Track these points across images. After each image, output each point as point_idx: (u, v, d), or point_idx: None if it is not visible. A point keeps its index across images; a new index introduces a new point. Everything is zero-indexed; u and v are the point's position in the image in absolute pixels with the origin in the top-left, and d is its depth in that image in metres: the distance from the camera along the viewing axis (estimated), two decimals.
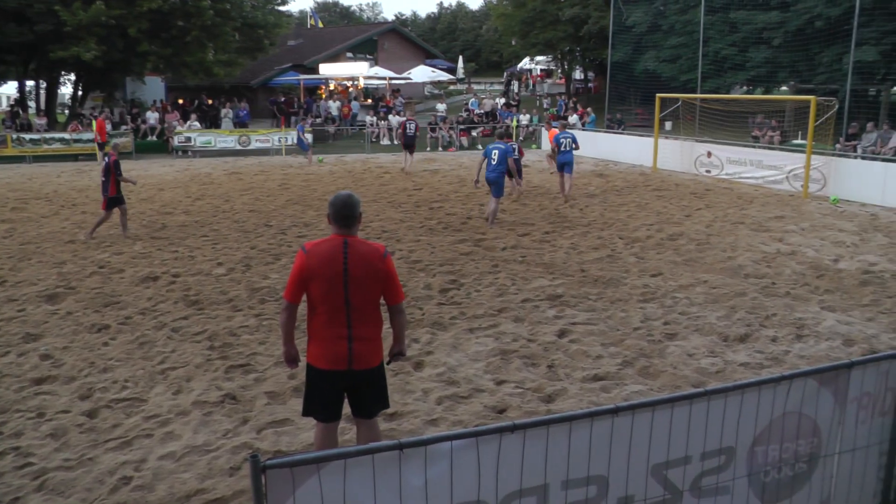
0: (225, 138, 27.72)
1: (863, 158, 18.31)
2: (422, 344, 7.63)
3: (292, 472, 3.01)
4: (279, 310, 4.64)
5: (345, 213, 4.50)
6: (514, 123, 30.08)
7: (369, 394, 4.68)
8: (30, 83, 35.47)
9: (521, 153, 18.41)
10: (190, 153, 27.33)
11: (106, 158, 12.98)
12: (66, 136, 26.91)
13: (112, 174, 12.64)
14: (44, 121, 29.29)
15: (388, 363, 4.79)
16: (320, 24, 59.88)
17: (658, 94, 23.63)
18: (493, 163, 13.54)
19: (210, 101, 34.30)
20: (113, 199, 12.83)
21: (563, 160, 16.61)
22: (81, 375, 6.88)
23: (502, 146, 13.81)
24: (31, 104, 35.66)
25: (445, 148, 30.43)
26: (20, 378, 6.81)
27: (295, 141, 26.72)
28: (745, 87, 32.31)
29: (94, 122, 26.58)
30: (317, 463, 3.04)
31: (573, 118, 31.71)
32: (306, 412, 4.73)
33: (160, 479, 5.07)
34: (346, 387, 4.60)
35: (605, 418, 3.47)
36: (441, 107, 35.49)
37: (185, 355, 7.36)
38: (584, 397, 6.29)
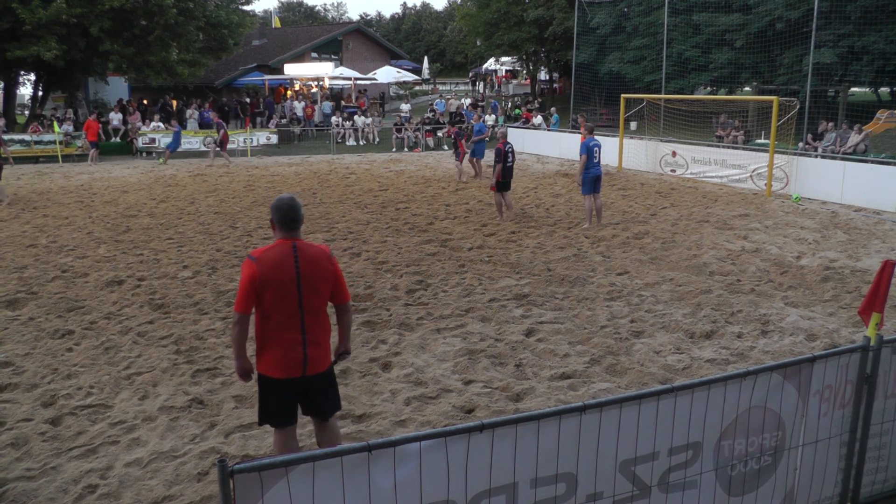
0: (190, 139, 27.39)
1: (823, 157, 18.66)
2: (389, 345, 7.61)
3: (260, 477, 2.99)
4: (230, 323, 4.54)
5: (292, 216, 4.49)
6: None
7: (322, 397, 4.70)
8: None
9: (462, 155, 19.98)
10: (154, 154, 26.94)
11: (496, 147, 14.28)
12: (27, 137, 26.40)
13: (499, 161, 14.02)
14: (2, 122, 28.66)
15: (333, 362, 4.79)
16: (276, 24, 59.31)
17: (623, 95, 23.85)
18: (596, 160, 13.54)
19: (175, 103, 33.88)
20: (500, 184, 14.19)
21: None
22: (44, 382, 6.76)
23: (599, 142, 13.86)
24: None
25: (411, 149, 30.41)
26: None
27: (169, 142, 26.24)
28: (708, 88, 32.76)
29: (61, 124, 26.12)
30: (285, 466, 3.03)
31: (538, 119, 31.86)
32: (263, 421, 4.70)
33: (126, 487, 5.00)
34: (300, 392, 4.60)
35: (573, 416, 3.50)
36: (405, 107, 35.41)
37: (151, 360, 7.26)
38: (552, 396, 6.32)
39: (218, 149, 25.02)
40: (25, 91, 37.00)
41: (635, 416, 3.66)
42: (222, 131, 24.90)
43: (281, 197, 4.55)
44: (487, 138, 23.15)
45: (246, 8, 35.86)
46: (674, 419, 3.76)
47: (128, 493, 4.94)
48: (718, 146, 21.50)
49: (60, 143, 26.07)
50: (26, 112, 35.38)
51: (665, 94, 28.10)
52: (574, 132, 28.07)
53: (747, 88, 32.19)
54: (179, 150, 26.57)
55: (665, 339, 7.74)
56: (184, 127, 28.86)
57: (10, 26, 25.88)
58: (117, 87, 36.22)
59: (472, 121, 29.74)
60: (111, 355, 7.41)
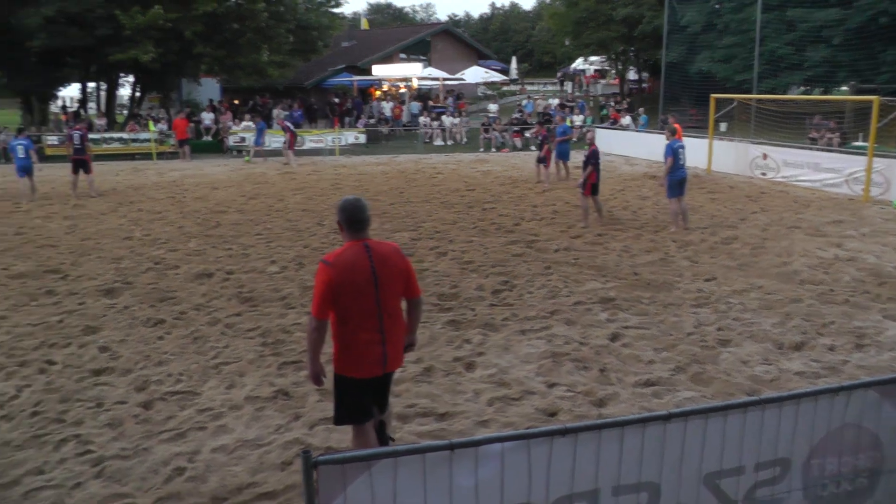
0: (279, 138, 28.05)
1: None
2: (473, 345, 7.62)
3: (343, 469, 3.04)
4: (308, 328, 4.60)
5: (360, 217, 4.49)
6: (569, 124, 29.79)
7: (387, 393, 4.81)
8: (91, 85, 36.51)
9: (548, 159, 19.88)
10: (245, 153, 27.71)
11: (589, 150, 14.01)
12: (125, 135, 27.69)
13: (592, 164, 13.75)
14: (104, 121, 30.13)
15: None
16: (365, 26, 59.85)
17: (712, 95, 23.23)
18: (681, 161, 13.34)
19: (263, 101, 34.80)
20: (593, 186, 13.95)
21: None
22: (137, 368, 7.07)
23: (684, 143, 13.60)
24: (93, 105, 36.69)
25: (498, 149, 30.32)
26: (80, 369, 7.05)
27: (256, 139, 26.77)
28: (802, 88, 31.54)
29: (156, 123, 27.23)
30: (367, 461, 3.07)
31: (626, 119, 31.32)
32: (342, 421, 4.74)
33: (212, 472, 5.18)
34: (376, 389, 4.69)
35: (658, 424, 3.43)
36: (493, 107, 35.31)
37: (238, 351, 7.49)
38: (636, 402, 6.21)
39: (288, 150, 25.69)
40: (124, 92, 38.75)
41: (721, 428, 3.55)
42: (289, 134, 25.57)
43: (346, 198, 4.56)
44: (574, 139, 22.87)
45: (335, 10, 36.54)
46: (761, 433, 3.64)
47: (213, 477, 5.10)
48: (812, 148, 20.69)
49: (155, 141, 27.21)
50: (125, 112, 37.03)
51: (756, 93, 27.20)
52: (662, 133, 27.50)
53: (844, 88, 30.80)
54: (267, 148, 27.21)
55: (752, 349, 7.50)
56: (270, 127, 29.61)
57: (112, 32, 27.16)
58: (209, 88, 37.46)
59: (555, 121, 29.53)
60: (200, 345, 7.69)
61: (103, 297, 9.46)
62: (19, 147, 17.38)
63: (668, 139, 13.58)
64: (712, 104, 22.79)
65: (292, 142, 25.60)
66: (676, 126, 14.32)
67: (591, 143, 14.21)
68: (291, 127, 26.50)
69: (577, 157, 20.78)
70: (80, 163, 17.98)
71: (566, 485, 3.32)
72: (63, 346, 7.68)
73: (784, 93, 29.20)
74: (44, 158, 23.77)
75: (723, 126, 28.17)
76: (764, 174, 20.73)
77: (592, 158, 13.78)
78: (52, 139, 26.79)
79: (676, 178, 13.19)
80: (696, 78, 32.68)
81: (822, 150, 20.33)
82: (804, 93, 30.99)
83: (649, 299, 9.18)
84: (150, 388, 6.60)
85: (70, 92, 42.03)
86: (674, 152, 13.16)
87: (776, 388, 6.49)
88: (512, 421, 5.88)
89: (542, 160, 19.80)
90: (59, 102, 39.61)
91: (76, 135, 18.27)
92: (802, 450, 3.76)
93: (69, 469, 5.21)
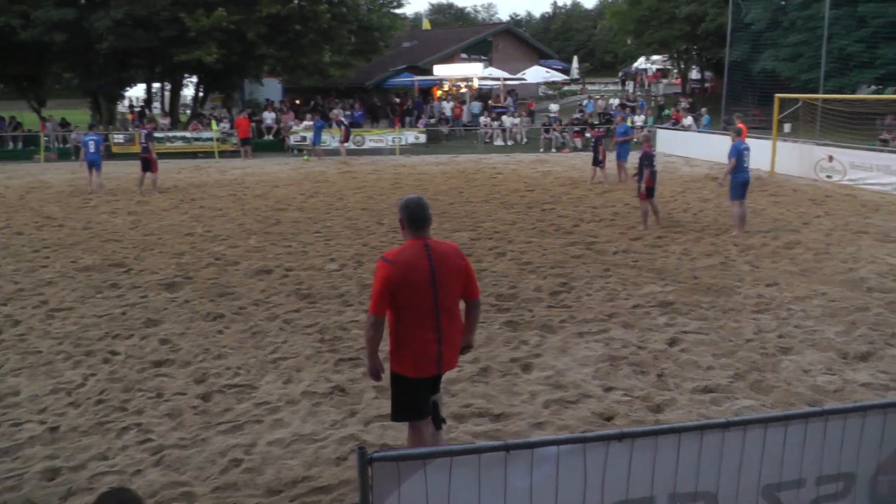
0: (337, 137, 28.38)
1: None
2: (530, 346, 7.59)
3: (398, 466, 3.06)
4: (366, 324, 4.64)
5: (422, 215, 4.50)
6: (630, 124, 29.46)
7: (437, 390, 4.80)
8: (156, 85, 37.56)
9: (604, 160, 19.68)
10: (305, 152, 28.06)
11: (642, 152, 13.83)
12: (188, 134, 28.42)
13: (648, 166, 13.43)
14: (167, 120, 30.96)
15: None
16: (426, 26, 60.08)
17: (777, 95, 22.65)
18: (745, 163, 13.05)
19: (329, 100, 35.25)
20: (649, 189, 13.57)
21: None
22: (197, 360, 7.24)
23: (748, 145, 13.30)
24: (157, 105, 37.77)
25: (559, 149, 30.10)
26: (142, 360, 7.26)
27: (314, 137, 27.11)
28: (872, 87, 30.50)
29: (219, 122, 27.82)
30: (423, 459, 3.08)
31: (688, 120, 30.81)
32: (399, 418, 4.78)
33: (268, 464, 5.27)
34: (431, 387, 4.70)
35: (716, 432, 3.37)
36: (554, 107, 34.99)
37: (296, 347, 7.60)
38: (694, 409, 6.09)
39: (339, 145, 26.06)
40: (188, 92, 39.71)
41: (781, 438, 3.46)
42: (343, 128, 26.00)
43: (409, 196, 4.58)
44: (635, 139, 22.53)
45: (397, 11, 36.79)
46: (823, 445, 3.52)
47: (269, 469, 5.19)
48: (881, 151, 19.98)
49: (217, 140, 27.83)
50: (188, 111, 37.96)
51: (823, 93, 26.41)
52: (724, 133, 26.92)
53: None
54: (327, 147, 27.48)
55: (815, 358, 7.28)
56: (329, 126, 29.99)
57: (177, 34, 27.89)
58: (271, 88, 38.06)
59: (615, 121, 29.18)
60: (258, 340, 7.82)
61: (165, 290, 9.71)
62: (90, 142, 18.40)
63: (733, 140, 13.27)
64: (776, 104, 22.23)
65: (346, 136, 26.01)
66: (741, 126, 13.94)
67: (646, 144, 13.96)
68: (346, 122, 26.88)
69: (634, 157, 20.55)
70: (145, 161, 18.52)
71: (621, 490, 3.28)
72: (126, 337, 7.92)
73: (853, 92, 28.27)
74: (110, 156, 24.65)
75: (787, 127, 27.44)
76: (829, 177, 20.13)
77: (647, 161, 13.50)
78: (118, 138, 27.65)
79: (739, 179, 12.89)
80: (759, 77, 31.87)
81: (894, 152, 19.61)
82: (875, 92, 29.96)
83: (709, 304, 9.01)
84: (209, 380, 6.75)
85: (136, 92, 43.28)
86: (738, 153, 12.86)
87: (840, 400, 6.30)
88: (568, 424, 5.83)
89: (599, 162, 19.63)
90: (126, 102, 40.82)
91: (143, 133, 19.01)
92: (869, 465, 3.63)
93: (130, 456, 5.38)
